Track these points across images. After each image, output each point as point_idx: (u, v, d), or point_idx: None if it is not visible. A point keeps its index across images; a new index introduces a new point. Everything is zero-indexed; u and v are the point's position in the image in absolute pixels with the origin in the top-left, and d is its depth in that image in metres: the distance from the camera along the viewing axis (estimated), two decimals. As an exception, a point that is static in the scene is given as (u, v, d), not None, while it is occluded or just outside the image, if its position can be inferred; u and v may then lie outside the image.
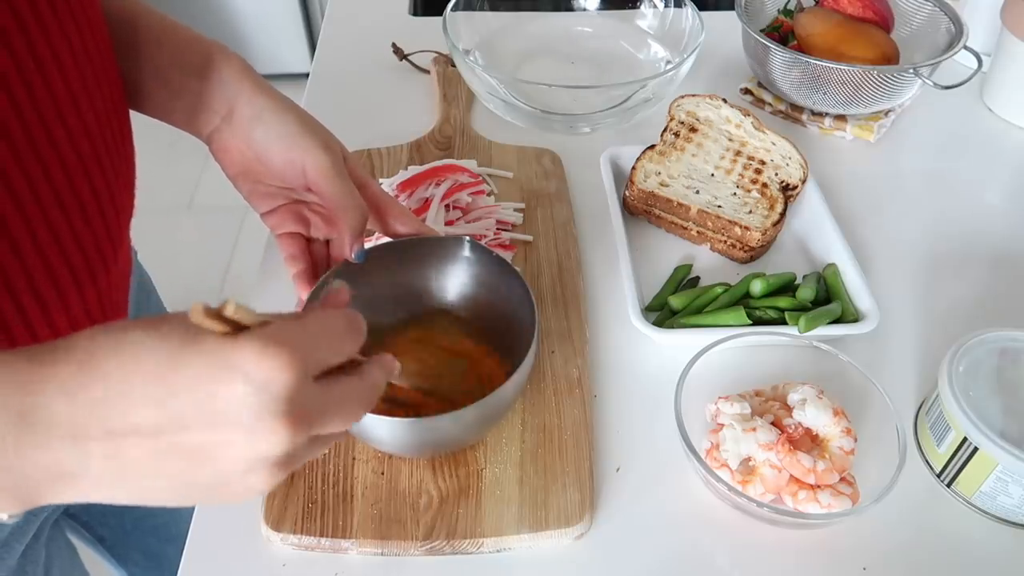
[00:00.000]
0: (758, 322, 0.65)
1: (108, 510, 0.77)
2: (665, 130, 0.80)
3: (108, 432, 0.31)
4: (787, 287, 0.69)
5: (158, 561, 0.85)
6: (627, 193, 0.77)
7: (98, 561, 0.81)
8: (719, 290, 0.68)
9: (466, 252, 0.60)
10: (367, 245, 0.58)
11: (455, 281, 0.62)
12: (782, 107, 0.93)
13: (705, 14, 0.92)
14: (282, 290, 0.68)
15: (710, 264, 0.74)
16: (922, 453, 0.60)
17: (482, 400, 0.49)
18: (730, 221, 0.72)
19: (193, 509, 0.56)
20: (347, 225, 0.55)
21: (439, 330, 0.62)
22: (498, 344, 0.60)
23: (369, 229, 0.58)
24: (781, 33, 0.95)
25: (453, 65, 0.93)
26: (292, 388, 0.31)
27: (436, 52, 0.97)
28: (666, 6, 0.98)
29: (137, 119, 0.57)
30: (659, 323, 0.66)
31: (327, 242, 0.62)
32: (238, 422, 0.31)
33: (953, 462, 0.56)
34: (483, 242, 0.69)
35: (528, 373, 0.54)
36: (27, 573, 0.59)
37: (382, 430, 0.51)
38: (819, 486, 0.53)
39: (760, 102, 0.94)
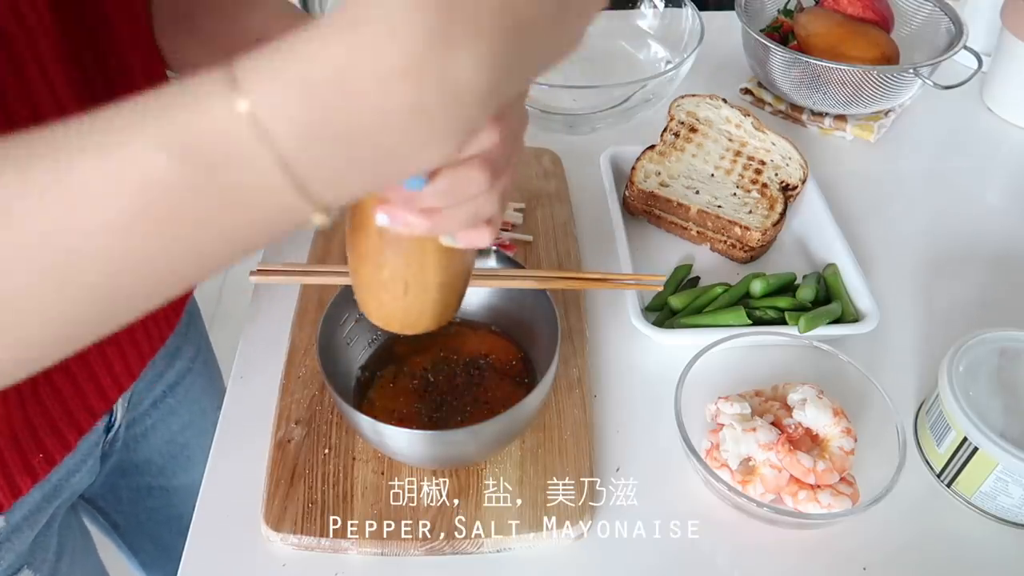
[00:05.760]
0: (758, 322, 0.65)
1: (125, 498, 0.76)
2: (665, 130, 0.80)
3: None
4: (787, 287, 0.69)
5: (168, 553, 0.85)
6: (627, 193, 0.77)
7: (109, 547, 0.81)
8: (719, 290, 0.68)
9: (491, 263, 0.60)
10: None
11: (479, 291, 0.62)
12: (782, 107, 0.93)
13: (705, 14, 0.92)
14: (280, 292, 0.68)
15: (710, 264, 0.74)
16: (922, 453, 0.60)
17: (499, 416, 0.49)
18: (730, 221, 0.72)
19: None
20: None
21: (460, 341, 0.62)
22: (519, 357, 0.61)
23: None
24: (781, 33, 0.95)
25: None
26: None
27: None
28: (666, 6, 0.98)
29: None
30: (659, 323, 0.66)
31: None
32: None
33: (953, 462, 0.56)
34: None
35: (547, 393, 0.54)
36: (36, 559, 0.58)
37: (400, 441, 0.51)
38: (819, 486, 0.53)
39: (760, 102, 0.94)
